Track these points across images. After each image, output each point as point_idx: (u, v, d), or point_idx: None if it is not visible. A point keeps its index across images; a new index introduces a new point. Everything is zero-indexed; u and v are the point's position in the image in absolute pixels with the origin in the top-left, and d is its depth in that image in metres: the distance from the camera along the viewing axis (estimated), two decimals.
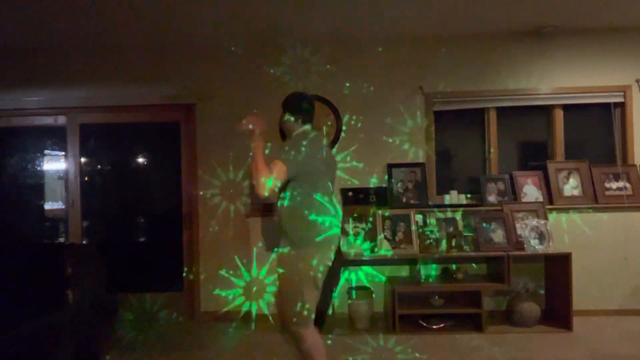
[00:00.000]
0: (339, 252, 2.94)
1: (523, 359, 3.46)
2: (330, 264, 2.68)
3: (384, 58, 4.55)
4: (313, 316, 2.62)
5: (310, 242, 2.59)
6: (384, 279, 4.41)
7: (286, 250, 2.62)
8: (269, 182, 2.49)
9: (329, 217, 2.65)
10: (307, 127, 2.79)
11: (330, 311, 4.09)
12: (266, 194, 2.51)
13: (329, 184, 2.76)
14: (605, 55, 4.53)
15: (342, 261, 3.04)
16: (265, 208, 4.24)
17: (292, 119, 2.79)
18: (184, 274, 4.69)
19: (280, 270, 2.64)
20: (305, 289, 2.57)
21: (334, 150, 4.50)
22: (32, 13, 3.75)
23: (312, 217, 2.59)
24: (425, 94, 4.56)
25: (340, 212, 2.79)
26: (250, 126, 2.66)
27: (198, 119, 4.65)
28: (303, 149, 2.61)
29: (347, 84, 4.55)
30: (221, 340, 3.95)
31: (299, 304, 2.56)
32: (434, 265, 4.38)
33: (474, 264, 4.40)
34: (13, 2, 3.54)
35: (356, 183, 4.51)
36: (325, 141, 2.86)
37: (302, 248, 2.59)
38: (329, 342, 3.78)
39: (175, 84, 4.63)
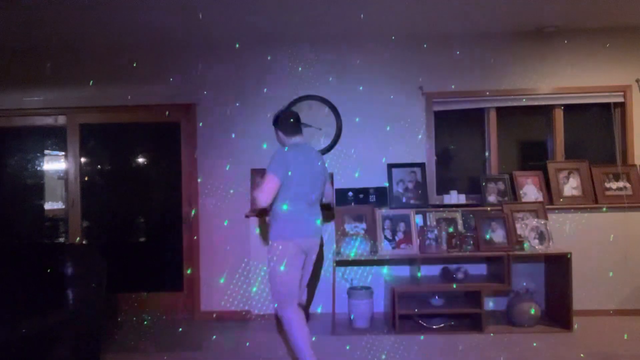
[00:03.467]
0: (319, 252, 3.32)
1: (523, 359, 3.46)
2: (300, 260, 3.05)
3: (384, 58, 4.56)
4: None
5: (280, 237, 3.01)
6: (384, 279, 4.41)
7: (269, 242, 3.07)
8: (260, 196, 2.94)
9: (301, 219, 3.03)
10: (297, 138, 3.16)
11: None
12: (264, 204, 2.97)
13: (309, 189, 3.08)
14: (605, 55, 4.53)
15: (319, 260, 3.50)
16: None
17: (282, 134, 3.18)
18: (184, 274, 4.69)
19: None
20: (277, 275, 3.00)
21: (333, 150, 4.54)
22: (33, 13, 3.76)
23: (285, 217, 3.02)
24: (425, 94, 4.56)
25: (319, 219, 3.16)
26: None
27: (198, 119, 4.66)
28: (283, 160, 3.00)
29: (347, 84, 4.56)
30: (221, 340, 3.95)
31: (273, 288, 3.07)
32: (434, 265, 4.39)
33: (474, 264, 4.40)
34: (13, 2, 3.54)
35: (356, 183, 4.51)
36: (312, 151, 3.22)
37: (275, 241, 3.02)
38: (329, 342, 3.79)
39: (175, 84, 4.63)
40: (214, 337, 4.04)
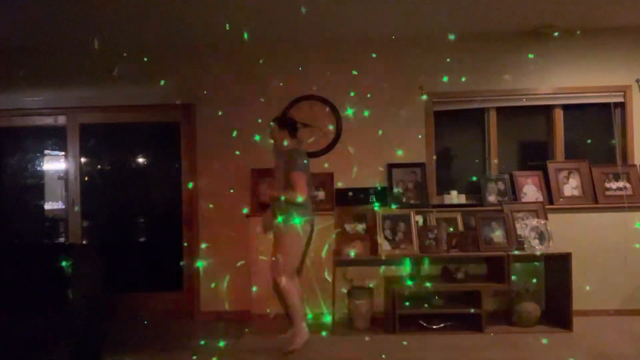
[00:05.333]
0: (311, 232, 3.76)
1: (523, 359, 3.46)
2: (307, 238, 3.68)
3: (384, 58, 4.55)
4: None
5: (299, 218, 3.57)
6: (384, 279, 4.41)
7: (285, 225, 3.56)
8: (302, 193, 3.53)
9: (308, 207, 3.66)
10: (294, 141, 3.76)
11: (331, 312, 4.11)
12: (306, 196, 3.57)
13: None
14: (605, 55, 4.53)
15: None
16: (262, 206, 4.23)
17: (288, 135, 3.73)
18: (184, 274, 4.69)
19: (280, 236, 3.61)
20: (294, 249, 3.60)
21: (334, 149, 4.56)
22: (32, 13, 3.75)
23: (301, 203, 3.59)
24: (425, 94, 4.56)
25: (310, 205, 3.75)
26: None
27: (198, 119, 4.66)
28: (304, 159, 3.66)
29: (347, 84, 4.55)
30: (221, 340, 3.95)
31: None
32: (434, 265, 4.38)
33: (474, 264, 4.39)
34: (13, 2, 3.54)
35: (356, 183, 4.50)
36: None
37: (296, 222, 3.56)
38: (329, 342, 3.79)
39: (175, 84, 4.63)
40: (214, 337, 4.04)
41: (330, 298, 4.11)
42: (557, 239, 4.09)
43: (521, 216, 4.22)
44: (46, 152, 4.99)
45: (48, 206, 4.95)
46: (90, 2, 3.58)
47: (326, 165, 4.55)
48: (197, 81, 4.63)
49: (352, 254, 4.10)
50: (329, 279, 4.18)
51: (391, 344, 3.72)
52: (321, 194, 4.54)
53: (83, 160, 4.82)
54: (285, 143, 3.72)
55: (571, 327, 3.90)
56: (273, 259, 3.64)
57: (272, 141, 3.83)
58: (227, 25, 4.07)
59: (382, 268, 4.43)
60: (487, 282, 4.12)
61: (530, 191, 4.46)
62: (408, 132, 4.56)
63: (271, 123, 3.83)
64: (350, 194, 4.44)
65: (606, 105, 4.58)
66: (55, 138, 4.90)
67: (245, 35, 4.06)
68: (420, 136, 4.57)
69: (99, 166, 4.97)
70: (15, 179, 4.97)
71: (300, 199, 3.52)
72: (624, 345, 3.63)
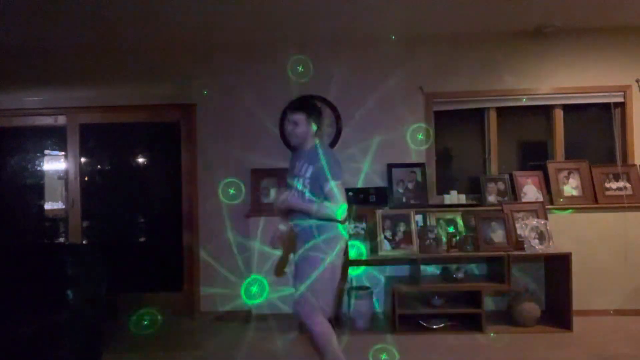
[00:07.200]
0: (346, 254, 3.01)
1: (523, 359, 3.45)
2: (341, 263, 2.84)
3: (384, 58, 4.55)
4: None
5: (341, 239, 2.78)
6: (383, 279, 4.41)
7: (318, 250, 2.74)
8: (343, 208, 2.69)
9: (345, 225, 2.82)
10: (319, 135, 2.91)
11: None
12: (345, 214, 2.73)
13: None
14: (605, 55, 4.53)
15: (347, 263, 3.14)
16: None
17: (316, 126, 2.86)
18: (184, 274, 4.69)
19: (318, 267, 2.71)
20: (331, 282, 2.74)
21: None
22: (32, 13, 3.75)
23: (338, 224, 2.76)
24: (425, 94, 4.56)
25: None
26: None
27: (198, 119, 4.66)
28: (340, 164, 2.81)
29: (347, 84, 4.55)
30: (221, 340, 3.95)
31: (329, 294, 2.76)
32: (434, 265, 4.38)
33: (474, 264, 4.39)
34: (13, 2, 3.54)
35: (356, 183, 4.51)
36: None
37: (335, 243, 2.74)
38: None
39: (175, 84, 4.63)
40: (214, 337, 4.04)
41: None
42: (557, 239, 4.09)
43: (521, 216, 4.22)
44: (46, 152, 4.99)
45: (48, 206, 4.95)
46: (91, 2, 3.58)
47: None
48: (197, 81, 4.63)
49: (352, 254, 4.10)
50: None
51: (391, 344, 3.72)
52: None
53: (83, 160, 4.82)
54: (311, 138, 2.86)
55: (571, 327, 3.90)
56: (299, 295, 2.73)
57: (292, 134, 2.89)
58: (227, 26, 4.08)
59: (382, 268, 4.44)
60: (487, 282, 4.12)
61: (530, 191, 4.46)
62: (408, 132, 4.55)
63: (296, 111, 2.86)
64: (350, 194, 4.44)
65: (606, 105, 4.58)
66: (55, 138, 4.89)
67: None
68: (420, 136, 4.57)
69: (99, 166, 4.97)
70: (15, 179, 4.96)
71: (339, 215, 2.67)
72: (624, 345, 3.63)
